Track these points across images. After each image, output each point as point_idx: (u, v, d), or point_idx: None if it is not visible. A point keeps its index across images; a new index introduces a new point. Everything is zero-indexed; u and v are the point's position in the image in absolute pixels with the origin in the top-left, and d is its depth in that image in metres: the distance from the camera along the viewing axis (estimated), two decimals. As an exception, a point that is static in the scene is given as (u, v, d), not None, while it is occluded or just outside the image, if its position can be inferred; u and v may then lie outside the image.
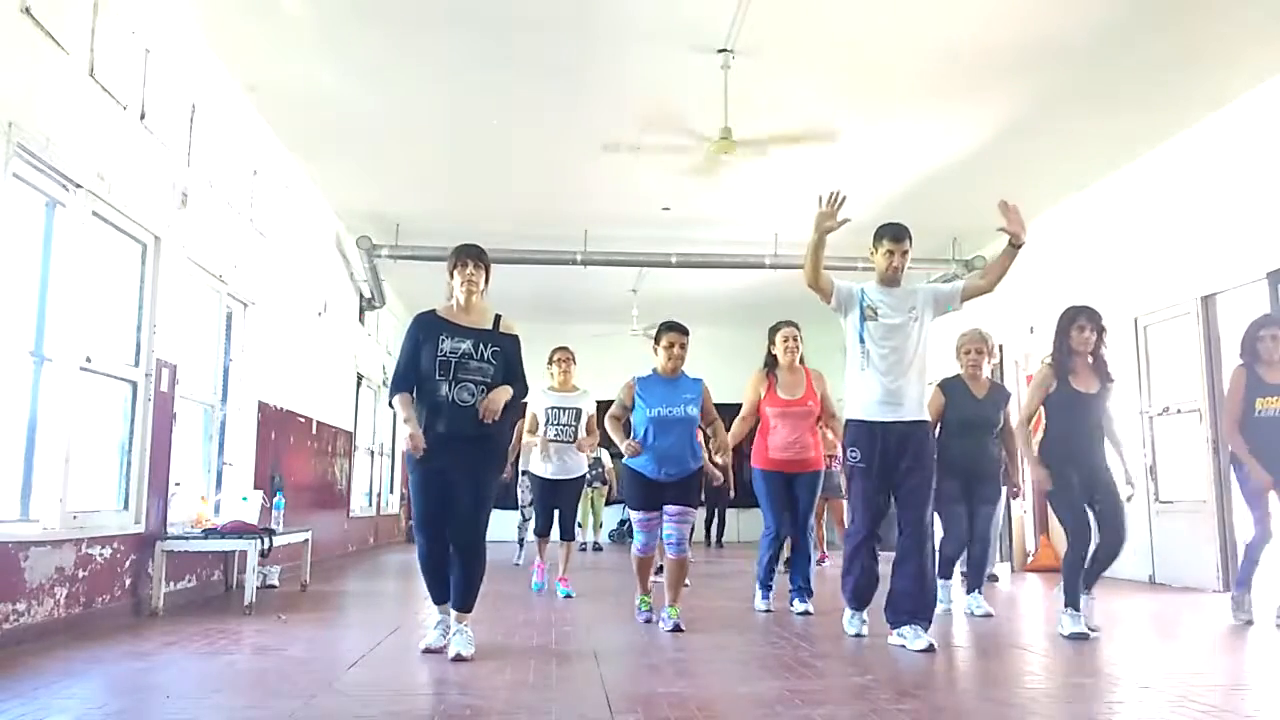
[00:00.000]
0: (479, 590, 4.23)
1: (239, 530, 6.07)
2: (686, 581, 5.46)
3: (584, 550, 12.12)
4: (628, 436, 5.11)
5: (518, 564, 9.34)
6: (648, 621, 5.20)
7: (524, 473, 7.14)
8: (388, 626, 5.14)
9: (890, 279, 4.62)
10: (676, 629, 4.90)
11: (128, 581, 5.51)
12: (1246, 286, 7.10)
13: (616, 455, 14.70)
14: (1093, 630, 4.80)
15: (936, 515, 5.55)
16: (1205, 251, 7.51)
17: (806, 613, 5.58)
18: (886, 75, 6.86)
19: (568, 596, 6.53)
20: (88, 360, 5.09)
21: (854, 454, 4.58)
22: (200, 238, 6.46)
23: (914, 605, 4.46)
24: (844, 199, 4.52)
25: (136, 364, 5.69)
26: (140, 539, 5.64)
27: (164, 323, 5.88)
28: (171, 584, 5.95)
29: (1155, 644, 5.04)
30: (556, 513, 6.78)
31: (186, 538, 5.97)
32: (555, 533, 6.83)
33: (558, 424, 6.62)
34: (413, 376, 4.12)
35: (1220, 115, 7.32)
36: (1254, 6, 5.86)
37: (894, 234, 4.67)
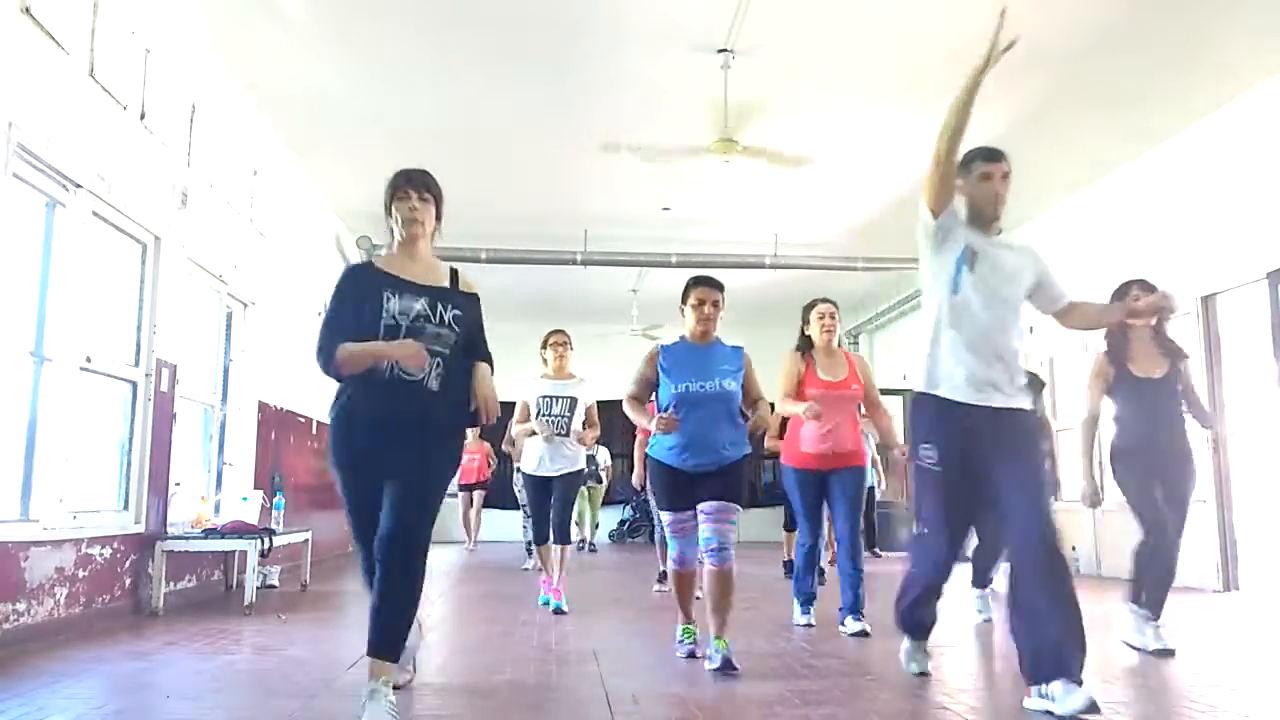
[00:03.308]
0: (410, 624, 3.11)
1: (239, 530, 6.07)
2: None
3: (580, 551, 12.08)
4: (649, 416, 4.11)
5: (526, 569, 9.02)
6: (690, 656, 4.12)
7: (519, 470, 6.43)
8: (388, 626, 5.13)
9: (990, 215, 3.44)
10: (727, 667, 3.77)
11: (128, 581, 5.51)
12: (1246, 286, 7.10)
13: (618, 455, 14.72)
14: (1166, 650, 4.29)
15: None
16: (1205, 251, 7.51)
17: (864, 633, 4.76)
18: (887, 75, 6.86)
19: (559, 611, 5.68)
20: (88, 360, 5.09)
21: (927, 451, 3.39)
22: (200, 238, 6.46)
23: (1062, 651, 3.05)
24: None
25: (136, 364, 5.69)
26: (140, 539, 5.64)
27: (164, 323, 5.88)
28: (171, 584, 5.95)
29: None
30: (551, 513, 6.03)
31: (186, 538, 5.97)
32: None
33: (549, 415, 5.89)
34: (344, 339, 3.08)
35: (1220, 115, 7.32)
36: (1253, 7, 5.86)
37: (988, 153, 3.47)
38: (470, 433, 12.53)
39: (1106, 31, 6.14)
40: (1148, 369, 4.45)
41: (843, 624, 4.91)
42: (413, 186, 3.24)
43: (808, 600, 5.22)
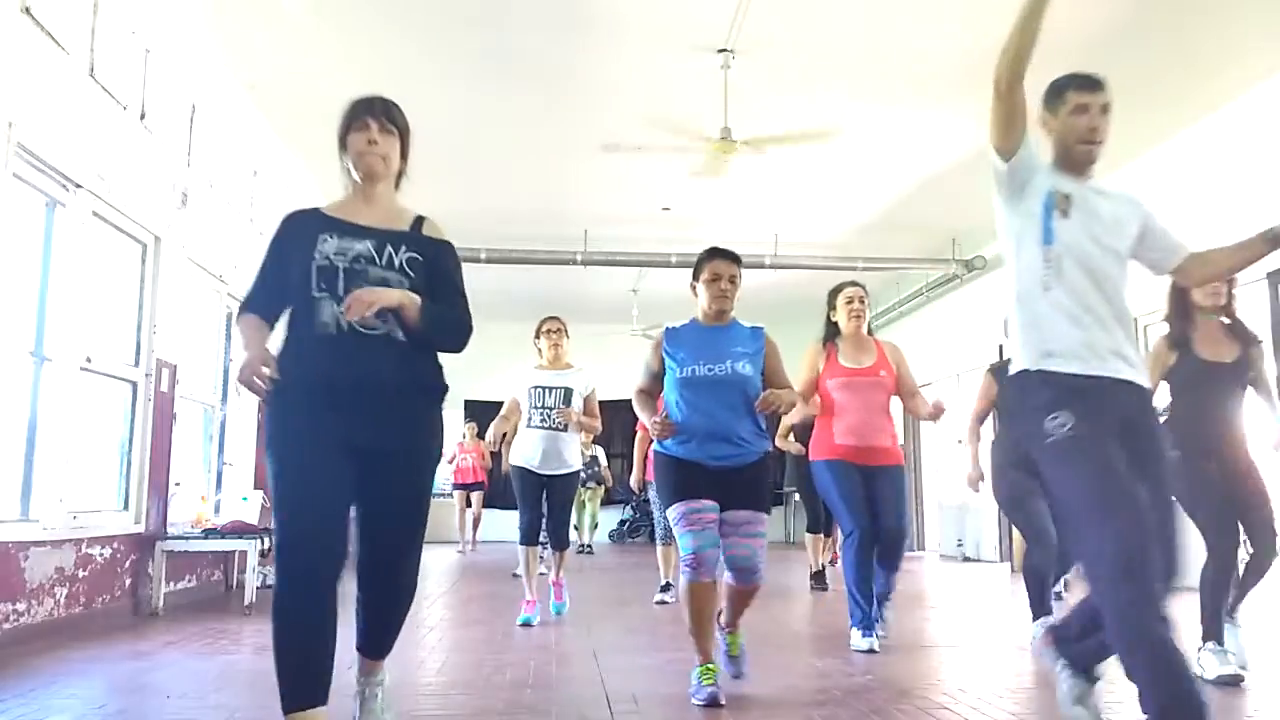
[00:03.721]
0: (399, 630, 2.79)
1: (239, 530, 6.07)
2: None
3: (580, 553, 11.98)
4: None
5: (517, 574, 8.01)
6: (712, 701, 3.24)
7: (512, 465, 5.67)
8: (388, 626, 5.13)
9: (1084, 157, 2.80)
10: (738, 675, 3.56)
11: (128, 581, 5.51)
12: (1247, 286, 7.08)
13: (615, 455, 14.56)
14: (1243, 669, 3.80)
15: (1012, 523, 4.61)
16: (1205, 251, 7.51)
17: (872, 650, 4.26)
18: (886, 75, 6.86)
19: (559, 613, 5.47)
20: (88, 360, 5.09)
21: (1056, 420, 2.53)
22: (200, 238, 6.47)
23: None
24: None
25: (136, 364, 5.69)
26: (140, 539, 5.64)
27: (164, 323, 5.88)
28: (171, 584, 5.95)
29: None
30: (544, 517, 5.53)
31: (186, 538, 5.97)
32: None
33: (542, 408, 5.37)
34: (273, 299, 2.53)
35: (1220, 115, 7.32)
36: (1254, 6, 5.86)
37: (1084, 81, 2.90)
38: (467, 431, 12.47)
39: (1106, 32, 6.14)
40: (1217, 353, 3.98)
41: (850, 632, 4.41)
42: (373, 115, 2.65)
43: (866, 620, 4.35)
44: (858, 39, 6.34)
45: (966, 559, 10.98)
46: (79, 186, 4.96)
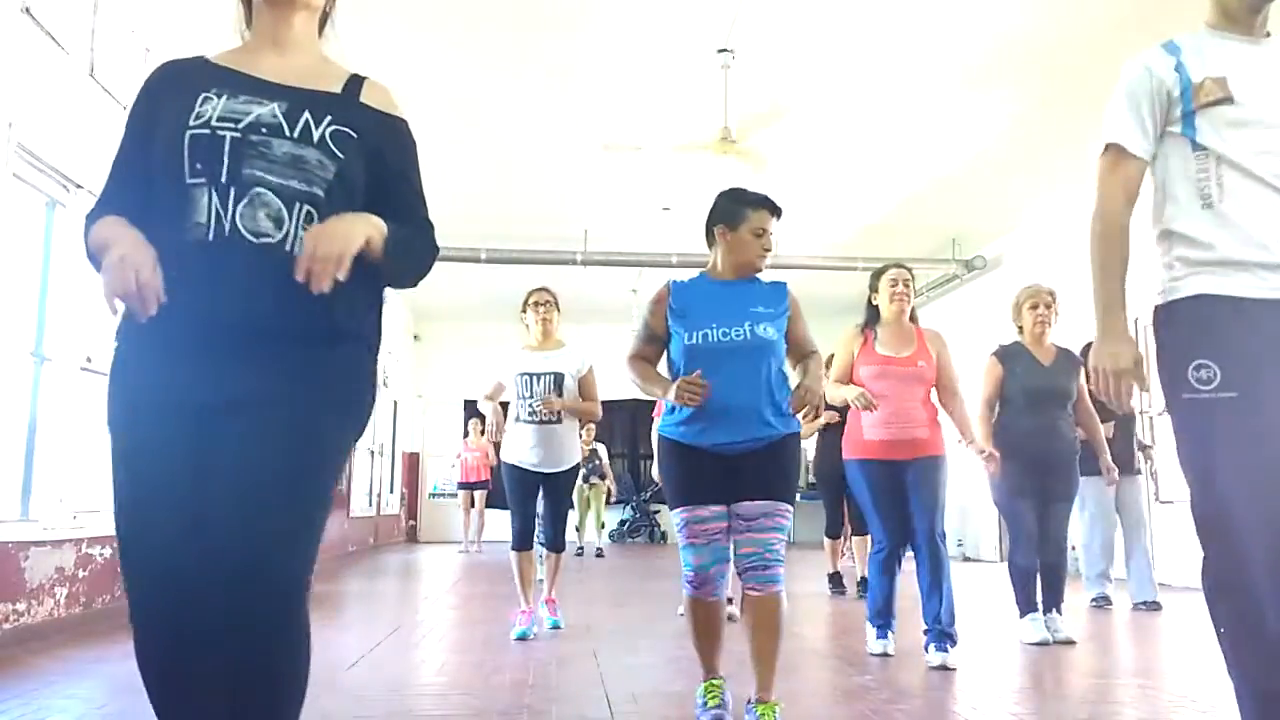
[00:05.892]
0: None
1: (239, 530, 6.05)
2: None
3: (580, 555, 11.61)
4: (663, 381, 2.91)
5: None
6: None
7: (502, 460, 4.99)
8: (388, 626, 5.13)
9: (1256, 3, 2.18)
10: None
11: (128, 581, 5.51)
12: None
13: (616, 455, 14.34)
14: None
15: (1001, 516, 4.99)
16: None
17: (945, 666, 3.87)
18: (886, 76, 6.87)
19: (556, 628, 4.94)
20: (88, 360, 5.09)
21: (1203, 372, 1.95)
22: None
23: None
24: None
25: (136, 364, 5.69)
26: (140, 539, 5.64)
27: (164, 323, 5.88)
28: (171, 584, 5.96)
29: (1157, 644, 5.04)
30: (539, 517, 4.87)
31: (186, 538, 5.96)
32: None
33: (530, 396, 4.70)
34: (139, 196, 1.67)
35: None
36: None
37: None
38: (472, 429, 12.39)
39: (1108, 31, 6.14)
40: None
41: (926, 650, 4.00)
42: None
43: (883, 621, 4.21)
44: (858, 40, 6.35)
45: (966, 559, 10.99)
46: (79, 186, 4.96)
